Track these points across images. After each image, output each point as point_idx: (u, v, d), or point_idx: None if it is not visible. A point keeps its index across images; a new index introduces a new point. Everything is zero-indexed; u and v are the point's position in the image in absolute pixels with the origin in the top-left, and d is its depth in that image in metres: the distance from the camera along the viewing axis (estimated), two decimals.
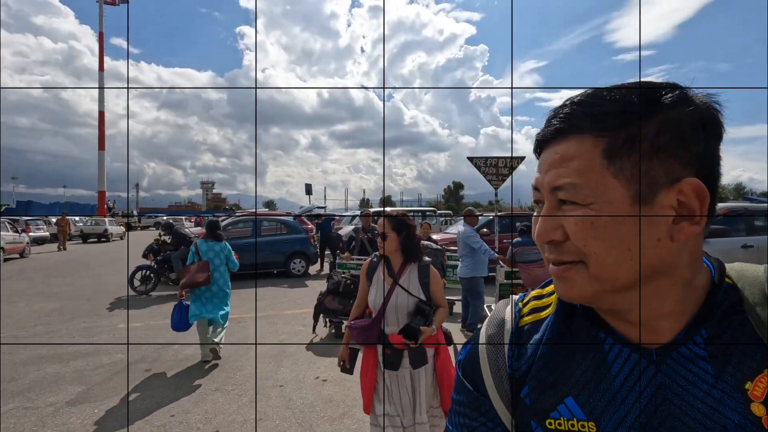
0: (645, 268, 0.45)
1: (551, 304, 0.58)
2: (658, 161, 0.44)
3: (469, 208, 5.91)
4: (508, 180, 6.33)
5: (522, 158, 6.42)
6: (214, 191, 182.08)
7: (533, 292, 0.62)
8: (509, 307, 0.61)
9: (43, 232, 21.44)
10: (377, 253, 2.38)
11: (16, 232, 15.49)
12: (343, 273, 5.82)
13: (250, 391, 3.80)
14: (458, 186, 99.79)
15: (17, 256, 15.36)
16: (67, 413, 3.40)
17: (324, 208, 16.08)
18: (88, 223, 24.22)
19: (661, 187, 0.44)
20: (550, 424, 0.51)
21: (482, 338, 0.60)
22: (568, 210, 0.47)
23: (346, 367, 2.42)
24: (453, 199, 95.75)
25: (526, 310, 0.59)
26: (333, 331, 5.52)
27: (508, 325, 0.58)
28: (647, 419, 0.46)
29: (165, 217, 41.13)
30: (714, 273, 0.50)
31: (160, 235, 9.03)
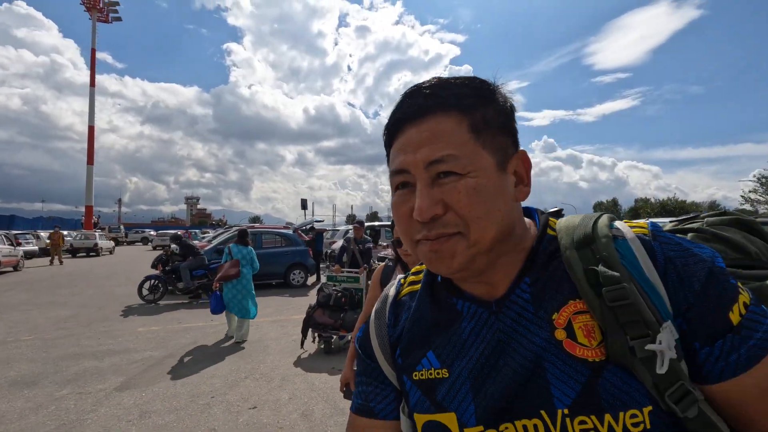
0: (505, 227, 0.52)
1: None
2: (503, 136, 0.53)
3: None
4: None
5: None
6: (199, 206, 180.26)
7: (414, 268, 0.71)
8: (394, 285, 0.70)
9: (32, 246, 21.37)
10: (391, 257, 2.25)
11: (12, 245, 15.57)
12: (334, 286, 5.69)
13: (276, 378, 4.32)
14: None
15: (11, 269, 15.42)
16: (118, 396, 3.87)
17: (322, 221, 16.67)
18: (78, 238, 24.18)
19: (509, 157, 0.54)
20: (415, 375, 0.58)
21: (372, 313, 0.69)
22: (447, 182, 0.50)
23: (353, 390, 2.26)
24: None
25: (405, 284, 0.68)
26: (322, 346, 5.26)
27: (389, 300, 0.67)
28: (486, 359, 0.53)
29: (153, 232, 40.85)
30: (539, 227, 0.58)
31: (169, 247, 9.43)
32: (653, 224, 0.55)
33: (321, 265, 12.29)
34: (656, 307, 0.47)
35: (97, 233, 24.80)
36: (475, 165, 0.50)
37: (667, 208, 45.86)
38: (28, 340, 5.84)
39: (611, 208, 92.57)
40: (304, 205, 16.88)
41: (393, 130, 0.55)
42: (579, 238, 0.53)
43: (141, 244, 40.95)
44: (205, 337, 5.96)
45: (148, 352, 5.27)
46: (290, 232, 11.62)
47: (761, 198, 28.22)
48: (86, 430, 3.24)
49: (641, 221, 0.56)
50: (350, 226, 16.66)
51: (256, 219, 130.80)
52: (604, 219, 0.56)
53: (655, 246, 0.51)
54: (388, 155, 0.57)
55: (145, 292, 8.78)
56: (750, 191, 28.39)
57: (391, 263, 2.23)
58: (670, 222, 0.75)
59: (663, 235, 0.52)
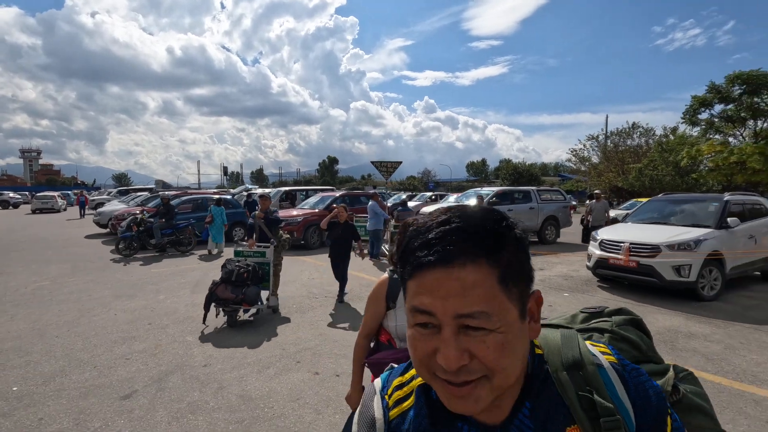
0: (523, 369, 0.58)
1: (412, 392, 0.65)
2: (523, 281, 0.55)
3: (374, 190, 10.52)
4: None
5: (400, 162, 11.24)
6: (42, 162, 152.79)
7: (395, 381, 0.68)
8: (376, 401, 0.67)
9: None
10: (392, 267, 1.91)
11: None
12: (238, 261, 5.80)
13: (296, 282, 7.83)
14: (333, 160, 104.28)
15: None
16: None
17: (255, 188, 18.83)
18: None
19: (526, 300, 0.56)
20: None
21: None
22: (475, 335, 0.51)
23: None
24: (329, 173, 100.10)
25: (392, 402, 0.66)
26: (225, 318, 5.54)
27: (380, 423, 0.65)
28: None
29: (12, 194, 36.38)
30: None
31: (142, 211, 11.57)
32: (615, 350, 0.66)
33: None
34: (627, 428, 0.57)
35: None
36: (503, 320, 0.52)
37: (518, 170, 55.89)
38: (75, 279, 8.19)
39: (481, 167, 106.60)
40: (225, 171, 18.79)
41: (415, 264, 0.53)
42: (568, 361, 0.61)
43: (12, 208, 36.38)
44: (212, 270, 9.02)
45: (182, 280, 8.23)
46: (230, 197, 14.30)
47: (574, 166, 37.87)
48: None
49: (601, 344, 0.68)
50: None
51: (121, 177, 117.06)
52: (583, 343, 0.64)
53: (627, 376, 0.61)
54: (403, 272, 0.56)
55: (121, 247, 10.99)
56: (567, 160, 37.87)
57: (397, 275, 2.04)
58: (582, 312, 0.87)
59: (628, 365, 0.62)
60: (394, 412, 0.64)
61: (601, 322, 0.81)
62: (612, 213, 12.73)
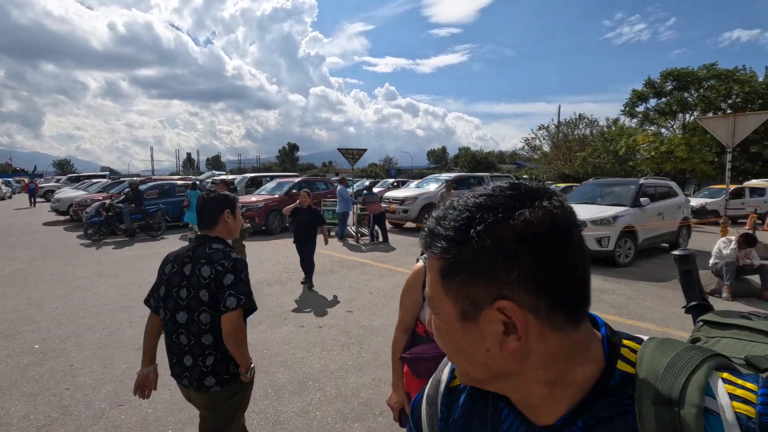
0: (488, 371, 0.52)
1: None
2: (479, 283, 0.48)
3: (342, 176, 11.27)
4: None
5: (365, 150, 12.00)
6: None
7: None
8: (448, 365, 0.68)
9: None
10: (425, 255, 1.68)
11: None
12: None
13: (270, 260, 8.46)
14: (293, 147, 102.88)
15: None
16: None
17: (223, 173, 18.84)
18: None
19: (483, 305, 0.49)
20: None
21: (424, 395, 0.69)
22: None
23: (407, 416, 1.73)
24: (289, 160, 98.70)
25: None
26: None
27: (442, 387, 0.66)
28: None
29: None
30: (607, 360, 0.52)
31: (111, 197, 11.66)
32: (764, 399, 0.44)
33: None
34: None
35: None
36: (439, 309, 0.52)
37: (476, 157, 58.09)
38: (51, 263, 8.42)
39: (441, 155, 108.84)
40: (188, 158, 18.68)
41: None
42: (660, 394, 0.46)
43: None
44: None
45: None
46: (199, 182, 14.55)
47: (527, 154, 40.02)
48: None
49: (750, 384, 0.45)
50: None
51: (63, 164, 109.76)
52: (700, 377, 0.46)
53: None
54: None
55: (90, 232, 11.11)
56: (520, 149, 39.99)
57: None
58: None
59: None
60: (458, 380, 0.64)
61: None
62: None
